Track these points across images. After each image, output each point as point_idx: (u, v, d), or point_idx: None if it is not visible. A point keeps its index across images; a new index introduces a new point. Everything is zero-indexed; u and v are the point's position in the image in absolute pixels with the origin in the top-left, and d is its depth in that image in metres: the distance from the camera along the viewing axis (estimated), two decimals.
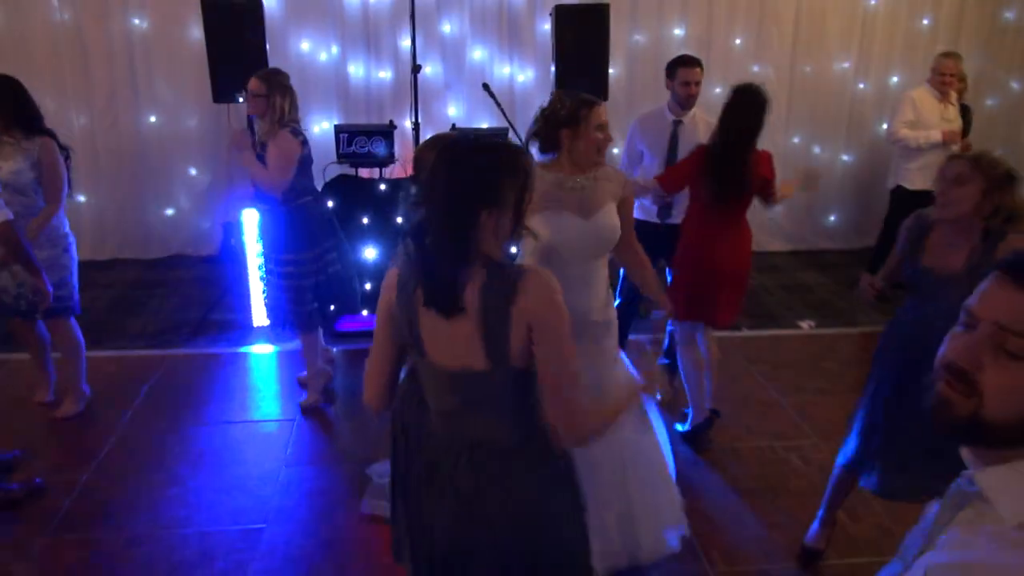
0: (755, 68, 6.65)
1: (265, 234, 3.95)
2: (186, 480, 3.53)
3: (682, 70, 4.03)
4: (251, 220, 4.64)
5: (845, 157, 6.97)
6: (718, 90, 6.64)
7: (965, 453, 1.00)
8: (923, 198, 5.59)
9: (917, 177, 5.56)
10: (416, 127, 5.65)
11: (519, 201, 1.70)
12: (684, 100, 4.05)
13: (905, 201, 5.66)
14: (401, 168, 5.35)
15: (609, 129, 2.68)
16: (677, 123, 4.08)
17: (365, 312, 5.01)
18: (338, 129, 4.88)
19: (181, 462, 3.68)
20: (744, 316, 5.05)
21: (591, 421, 1.75)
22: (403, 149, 6.06)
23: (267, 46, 5.07)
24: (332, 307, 4.14)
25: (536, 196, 2.37)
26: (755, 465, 3.71)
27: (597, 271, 2.77)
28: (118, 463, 3.66)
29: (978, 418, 0.92)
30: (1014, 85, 7.04)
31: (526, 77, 6.46)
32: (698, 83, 4.06)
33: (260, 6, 4.90)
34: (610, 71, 5.55)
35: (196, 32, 5.81)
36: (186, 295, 5.76)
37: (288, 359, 4.77)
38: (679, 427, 3.90)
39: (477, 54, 6.39)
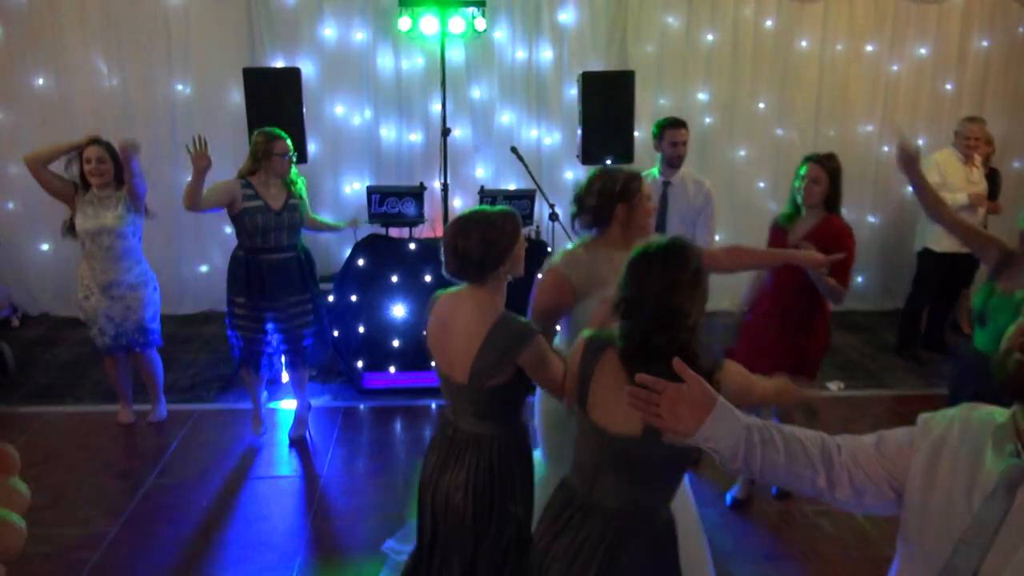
0: (779, 131, 6.75)
1: None
2: (213, 535, 3.55)
3: (669, 131, 4.26)
4: None
5: (871, 219, 6.99)
6: (743, 152, 6.77)
7: None
8: (950, 260, 5.59)
9: (945, 239, 5.55)
10: (445, 188, 5.79)
11: None
12: (674, 160, 4.25)
13: (932, 263, 5.65)
14: (430, 228, 5.47)
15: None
16: (667, 184, 4.25)
17: (393, 369, 5.07)
18: (370, 190, 5.02)
19: (208, 517, 3.70)
20: None
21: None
22: (432, 209, 6.21)
23: (303, 111, 5.26)
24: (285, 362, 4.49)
25: (586, 277, 2.62)
26: (785, 530, 3.65)
27: None
28: (146, 517, 3.69)
29: None
30: None
31: (553, 140, 6.61)
32: (685, 143, 4.27)
33: (298, 73, 5.11)
34: (635, 134, 5.67)
35: (236, 97, 6.05)
36: (218, 350, 5.85)
37: (317, 414, 4.81)
38: None
39: (505, 118, 6.56)
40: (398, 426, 4.79)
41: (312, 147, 6.17)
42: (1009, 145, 6.91)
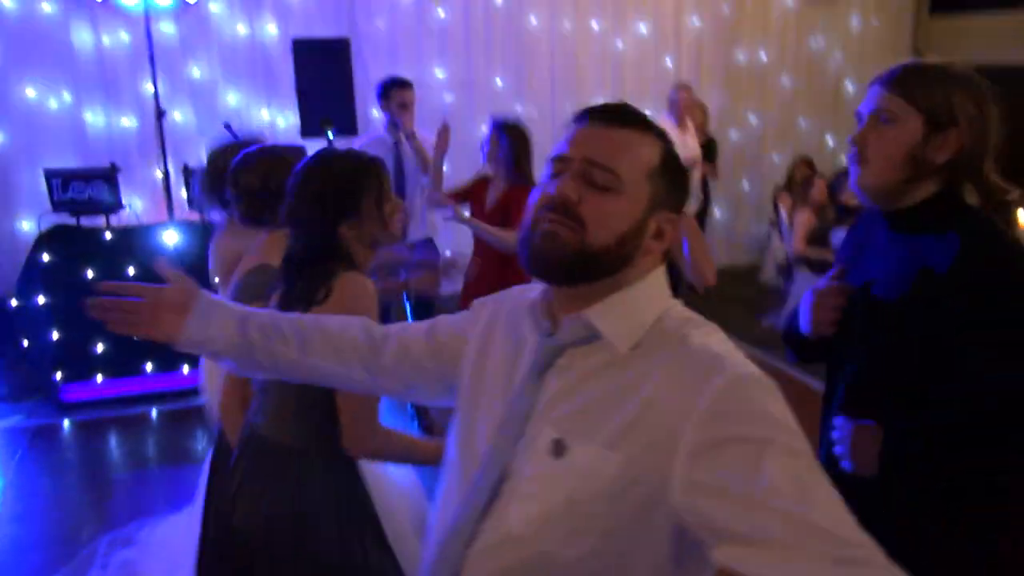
0: (518, 107, 6.83)
1: None
2: None
3: (397, 91, 4.18)
4: None
5: None
6: (485, 129, 6.78)
7: (564, 299, 1.06)
8: None
9: None
10: (166, 175, 5.26)
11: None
12: (403, 120, 4.16)
13: None
14: (135, 215, 4.92)
15: None
16: (397, 144, 4.16)
17: (100, 378, 4.49)
18: (48, 174, 4.36)
19: None
20: None
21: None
22: (155, 199, 5.64)
23: None
24: None
25: None
26: None
27: None
28: None
29: (585, 247, 0.99)
30: (752, 119, 7.73)
31: (287, 121, 6.21)
32: (413, 103, 4.21)
33: None
34: (374, 112, 5.48)
35: None
36: None
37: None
38: None
39: (231, 98, 6.09)
40: (108, 441, 4.24)
41: None
42: (725, 116, 7.49)
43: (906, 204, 1.46)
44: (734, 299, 6.64)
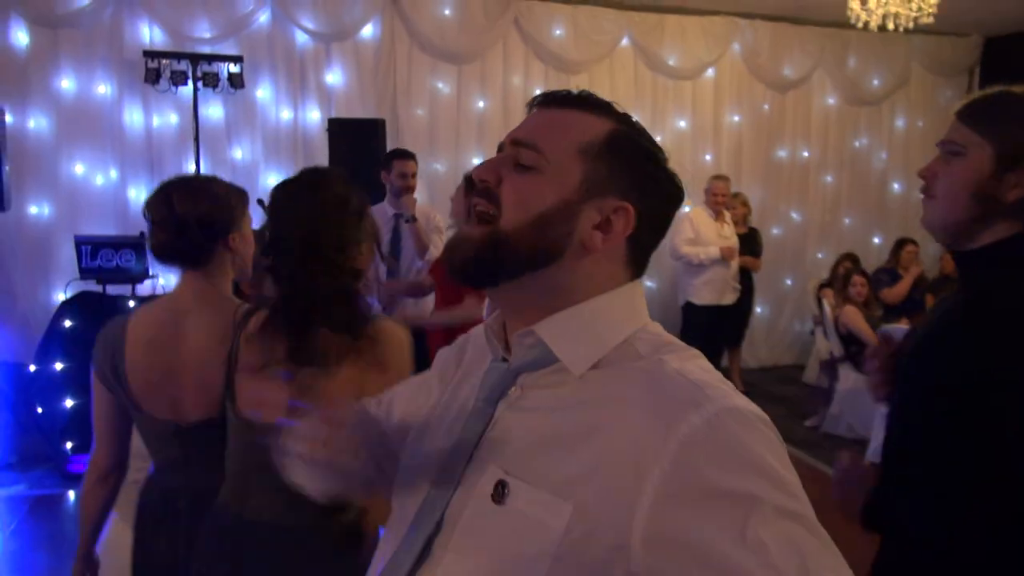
0: None
1: None
2: None
3: (398, 162, 4.21)
4: None
5: (649, 284, 7.15)
6: None
7: (510, 313, 0.92)
8: (711, 312, 5.72)
9: (703, 291, 5.70)
10: None
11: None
12: (402, 191, 4.16)
13: (695, 316, 5.77)
14: (162, 287, 4.93)
15: None
16: (398, 216, 4.15)
17: None
18: (79, 240, 4.43)
19: None
20: None
21: None
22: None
23: None
24: None
25: None
26: None
27: None
28: None
29: (496, 231, 0.86)
30: (794, 215, 7.59)
31: None
32: (414, 175, 4.22)
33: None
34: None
35: None
36: None
37: None
38: None
39: (271, 179, 6.20)
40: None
41: (44, 208, 5.63)
42: (766, 212, 7.37)
43: (978, 245, 1.30)
44: (776, 398, 6.33)
